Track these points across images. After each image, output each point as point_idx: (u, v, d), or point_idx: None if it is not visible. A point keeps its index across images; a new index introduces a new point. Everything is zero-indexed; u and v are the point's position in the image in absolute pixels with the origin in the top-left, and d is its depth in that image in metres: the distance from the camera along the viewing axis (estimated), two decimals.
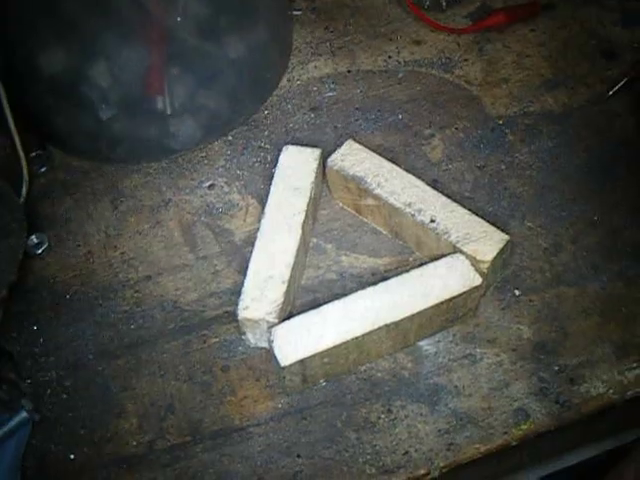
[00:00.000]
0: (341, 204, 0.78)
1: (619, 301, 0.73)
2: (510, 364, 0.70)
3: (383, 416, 0.68)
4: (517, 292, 0.74)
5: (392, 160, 0.77)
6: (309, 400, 0.69)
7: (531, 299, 0.74)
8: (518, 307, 0.73)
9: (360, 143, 0.77)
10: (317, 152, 0.75)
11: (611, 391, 0.69)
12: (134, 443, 0.68)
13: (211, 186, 0.81)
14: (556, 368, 0.70)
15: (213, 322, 0.73)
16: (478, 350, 0.71)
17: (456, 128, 0.84)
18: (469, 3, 0.95)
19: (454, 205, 0.71)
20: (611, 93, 0.83)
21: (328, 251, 0.77)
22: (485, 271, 0.68)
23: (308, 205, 0.73)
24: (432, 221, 0.70)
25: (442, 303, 0.67)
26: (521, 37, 0.92)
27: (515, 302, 0.73)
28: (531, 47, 0.91)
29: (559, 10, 0.94)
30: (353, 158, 0.74)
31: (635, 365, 0.70)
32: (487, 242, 0.69)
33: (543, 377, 0.70)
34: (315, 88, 0.87)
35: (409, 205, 0.71)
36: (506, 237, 0.69)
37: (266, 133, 0.84)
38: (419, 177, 0.76)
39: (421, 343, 0.71)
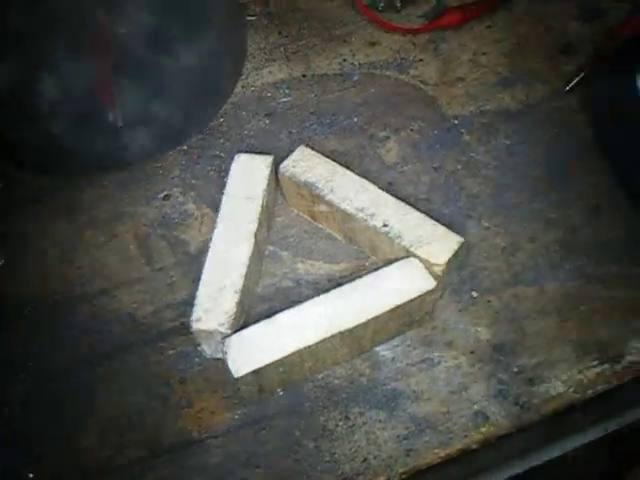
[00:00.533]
0: (296, 211, 0.78)
1: (577, 299, 0.74)
2: (468, 367, 0.70)
3: (341, 423, 0.68)
4: (475, 293, 0.74)
5: (347, 164, 0.77)
6: (266, 410, 0.69)
7: (489, 300, 0.74)
8: (476, 309, 0.73)
9: (314, 148, 0.78)
10: (269, 159, 0.76)
11: (571, 390, 0.69)
12: (93, 459, 0.68)
13: (166, 197, 0.81)
14: (515, 369, 0.70)
15: (170, 334, 0.73)
16: (436, 354, 0.71)
17: (411, 129, 0.85)
18: (424, 2, 0.95)
19: (407, 208, 0.71)
20: (568, 88, 0.83)
21: (284, 259, 0.77)
22: (439, 274, 0.68)
23: (261, 213, 0.73)
24: (385, 225, 0.70)
25: (396, 308, 0.67)
26: (477, 34, 0.92)
27: (473, 303, 0.73)
28: (487, 44, 0.92)
29: (516, 5, 0.94)
30: (305, 164, 0.74)
31: (595, 363, 0.70)
32: (441, 244, 0.69)
33: (502, 379, 0.70)
34: (270, 94, 0.88)
35: (361, 210, 0.71)
36: (460, 239, 0.69)
37: (221, 141, 0.84)
38: (374, 180, 0.76)
39: (378, 349, 0.71)
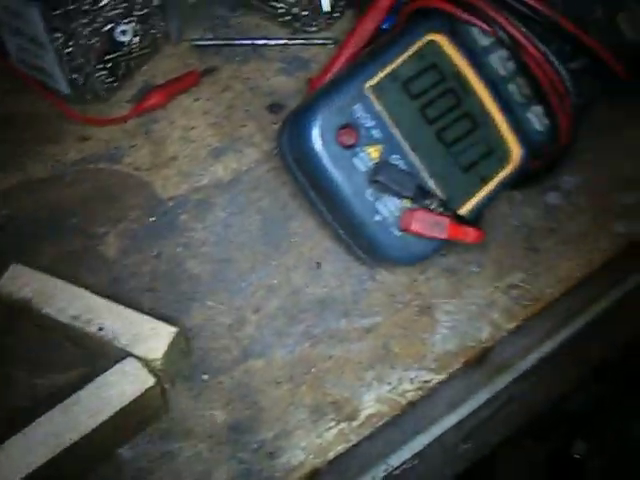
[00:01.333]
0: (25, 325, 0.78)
1: (308, 362, 0.76)
2: (208, 452, 0.72)
3: None
4: (205, 377, 0.76)
5: (69, 270, 0.79)
6: None
7: (220, 381, 0.76)
8: (209, 392, 0.75)
9: (31, 262, 0.78)
10: None
11: (311, 456, 0.71)
12: None
13: None
14: (255, 446, 0.72)
15: None
16: (175, 445, 0.72)
17: (130, 220, 0.86)
18: (131, 86, 0.97)
19: (121, 308, 0.73)
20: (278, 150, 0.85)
21: (20, 378, 0.77)
22: (160, 368, 0.70)
23: None
24: (100, 329, 0.72)
25: (121, 411, 0.68)
26: (186, 109, 0.95)
27: (205, 387, 0.75)
28: (196, 118, 0.94)
29: (221, 72, 0.97)
30: (19, 281, 0.75)
31: (332, 424, 0.73)
32: (156, 339, 0.71)
33: (242, 458, 0.71)
34: None
35: (77, 318, 0.73)
36: (173, 329, 0.72)
37: None
38: (98, 280, 0.79)
39: (120, 450, 0.72)
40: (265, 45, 1.00)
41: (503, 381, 0.87)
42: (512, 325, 0.81)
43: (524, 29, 0.77)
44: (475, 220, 0.77)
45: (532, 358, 0.88)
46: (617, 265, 0.86)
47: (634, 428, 1.86)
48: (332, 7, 0.98)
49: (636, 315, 1.00)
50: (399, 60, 0.74)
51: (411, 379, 0.77)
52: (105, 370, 0.72)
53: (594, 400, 1.87)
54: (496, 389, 0.86)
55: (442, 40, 0.76)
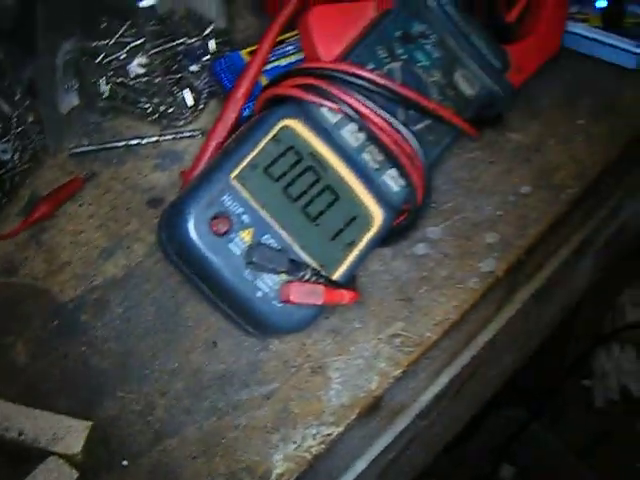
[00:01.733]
0: None
1: (217, 434, 0.83)
2: None
3: None
4: (125, 462, 0.82)
5: None
6: None
7: (140, 463, 0.82)
8: (131, 476, 0.82)
9: None
10: None
11: None
12: None
13: None
14: None
15: None
16: None
17: (34, 327, 0.92)
18: (18, 200, 1.03)
19: (37, 411, 0.80)
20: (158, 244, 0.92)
21: None
22: (81, 461, 0.78)
23: None
24: (20, 434, 0.79)
25: None
26: (73, 215, 1.01)
27: (127, 472, 0.82)
28: (83, 222, 1.00)
29: (101, 176, 1.04)
30: None
31: None
32: (73, 435, 0.78)
33: None
34: None
35: None
36: (89, 424, 0.79)
37: None
38: (12, 387, 0.85)
39: None
40: (138, 144, 1.06)
41: (400, 424, 0.95)
42: (398, 371, 0.89)
43: (368, 102, 0.86)
44: (350, 282, 0.85)
45: (424, 399, 0.96)
46: (488, 302, 0.95)
47: (550, 442, 1.96)
48: (195, 100, 1.06)
49: (513, 344, 1.10)
50: (258, 148, 0.82)
51: (313, 435, 0.85)
52: (29, 472, 0.78)
53: (507, 423, 1.97)
54: (395, 433, 0.94)
55: (295, 124, 0.84)
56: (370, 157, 0.89)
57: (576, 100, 1.11)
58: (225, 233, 0.80)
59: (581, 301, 1.35)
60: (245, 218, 0.81)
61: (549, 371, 2.06)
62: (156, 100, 1.07)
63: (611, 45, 1.11)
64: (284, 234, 0.83)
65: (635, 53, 1.10)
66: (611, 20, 1.12)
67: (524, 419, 2.08)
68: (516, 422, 2.09)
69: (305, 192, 0.84)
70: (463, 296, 0.94)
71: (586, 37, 1.12)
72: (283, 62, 1.05)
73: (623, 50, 1.10)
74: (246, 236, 0.81)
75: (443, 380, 0.99)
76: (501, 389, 1.22)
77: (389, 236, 0.90)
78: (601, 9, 1.14)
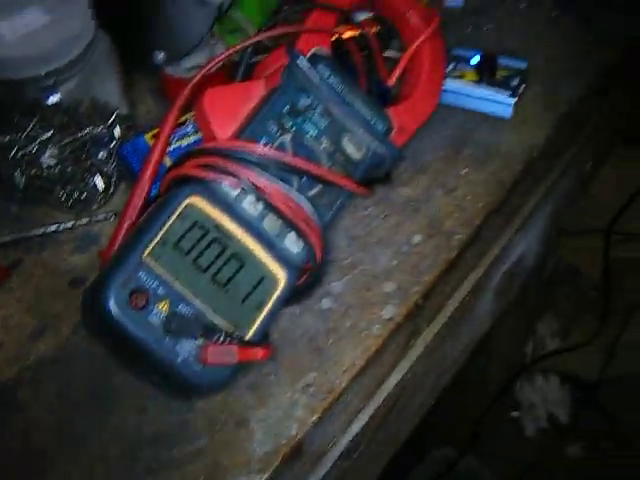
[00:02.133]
0: None
1: None
2: None
3: None
4: None
5: None
6: None
7: None
8: None
9: None
10: None
11: None
12: None
13: None
14: None
15: None
16: None
17: None
18: None
19: None
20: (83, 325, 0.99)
21: None
22: None
23: None
24: None
25: None
26: (3, 302, 1.08)
27: None
28: (12, 307, 1.07)
29: (24, 263, 1.11)
30: None
31: None
32: None
33: None
34: None
35: None
36: None
37: None
38: None
39: None
40: (57, 231, 1.13)
41: (323, 467, 1.05)
42: (315, 417, 0.97)
43: (262, 175, 0.96)
44: (263, 339, 0.94)
45: (343, 442, 1.06)
46: (392, 346, 1.06)
47: (482, 476, 2.06)
48: (106, 185, 1.14)
49: (424, 383, 1.20)
50: (166, 226, 0.91)
51: None
52: None
53: (436, 464, 2.07)
54: (319, 476, 1.04)
55: (199, 201, 0.93)
56: (270, 224, 0.97)
57: (458, 152, 1.22)
58: (144, 307, 0.88)
59: (492, 335, 1.45)
60: (160, 291, 0.89)
61: (472, 406, 2.16)
62: (69, 188, 1.14)
63: (487, 99, 1.23)
64: (197, 302, 0.91)
65: (509, 104, 1.21)
66: (485, 74, 1.22)
67: (453, 457, 2.17)
68: (444, 462, 2.18)
69: (213, 262, 0.93)
70: (367, 343, 1.03)
71: (463, 93, 1.25)
72: (185, 142, 1.14)
73: (497, 102, 1.22)
74: (163, 307, 0.89)
75: (359, 423, 1.09)
76: (424, 430, 1.31)
77: (296, 294, 0.99)
78: (475, 65, 1.26)
